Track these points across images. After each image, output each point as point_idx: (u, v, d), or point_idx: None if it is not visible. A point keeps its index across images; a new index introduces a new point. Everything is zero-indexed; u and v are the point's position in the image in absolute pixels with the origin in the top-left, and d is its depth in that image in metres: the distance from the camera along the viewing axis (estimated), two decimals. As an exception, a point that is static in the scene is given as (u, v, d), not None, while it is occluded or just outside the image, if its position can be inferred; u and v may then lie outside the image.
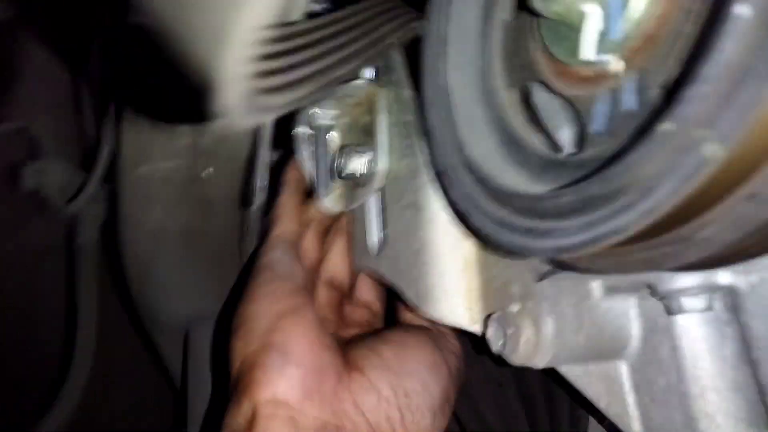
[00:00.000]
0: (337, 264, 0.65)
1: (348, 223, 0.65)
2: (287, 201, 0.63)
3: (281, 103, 0.30)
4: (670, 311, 0.37)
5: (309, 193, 0.67)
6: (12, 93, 1.26)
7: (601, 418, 0.64)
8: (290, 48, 0.31)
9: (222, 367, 0.57)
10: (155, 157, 0.67)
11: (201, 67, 0.25)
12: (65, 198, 0.95)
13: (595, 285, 0.40)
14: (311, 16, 0.55)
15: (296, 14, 0.49)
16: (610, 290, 0.40)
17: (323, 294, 0.62)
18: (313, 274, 0.62)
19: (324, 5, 0.58)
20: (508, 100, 0.39)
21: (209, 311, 0.81)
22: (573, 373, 0.43)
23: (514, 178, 0.37)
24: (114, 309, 1.11)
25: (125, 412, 1.32)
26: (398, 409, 0.50)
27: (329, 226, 0.66)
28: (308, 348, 0.50)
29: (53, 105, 1.24)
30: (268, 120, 0.59)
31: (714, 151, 0.21)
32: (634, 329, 0.40)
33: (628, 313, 0.40)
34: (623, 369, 0.41)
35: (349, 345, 0.54)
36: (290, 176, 0.66)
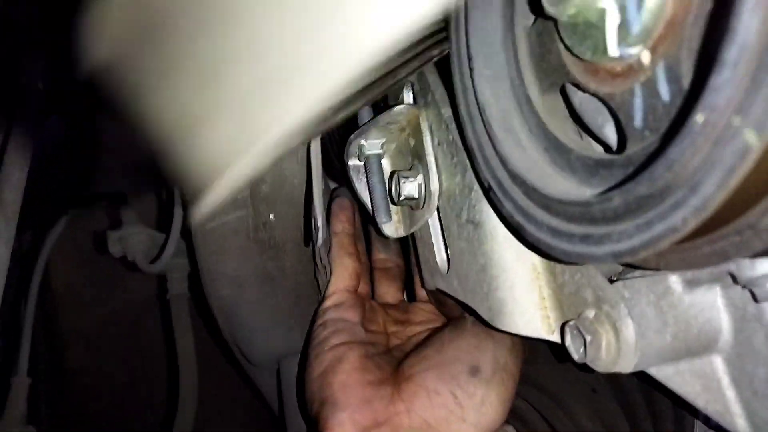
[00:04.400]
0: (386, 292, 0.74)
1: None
2: (337, 254, 0.69)
3: None
4: (756, 298, 0.34)
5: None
6: (96, 165, 1.36)
7: (706, 418, 0.60)
8: None
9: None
10: (219, 212, 0.70)
11: None
12: (150, 258, 1.01)
13: (674, 280, 0.38)
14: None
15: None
16: (691, 283, 0.38)
17: (381, 315, 0.71)
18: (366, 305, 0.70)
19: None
20: (545, 106, 0.37)
21: (296, 344, 0.84)
22: (664, 373, 0.41)
23: (563, 185, 0.36)
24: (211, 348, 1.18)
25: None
26: (450, 393, 0.56)
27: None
28: (352, 391, 0.58)
29: (130, 172, 1.33)
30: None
31: (754, 138, 0.19)
32: (724, 321, 0.38)
33: (715, 304, 0.38)
34: (718, 364, 0.38)
35: (405, 358, 0.62)
36: (336, 229, 0.71)
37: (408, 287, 0.76)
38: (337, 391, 0.58)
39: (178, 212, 0.87)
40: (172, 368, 1.13)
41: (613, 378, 0.60)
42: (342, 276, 0.68)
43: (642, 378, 0.42)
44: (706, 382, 0.39)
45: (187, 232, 0.88)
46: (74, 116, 1.31)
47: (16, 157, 0.70)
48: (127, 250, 1.02)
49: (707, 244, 0.28)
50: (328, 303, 0.68)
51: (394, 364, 0.62)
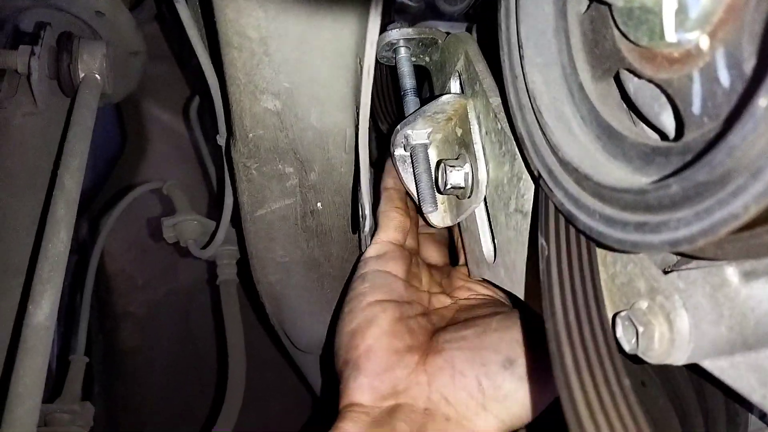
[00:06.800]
0: (431, 254, 0.72)
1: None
2: (385, 208, 0.68)
3: None
4: (819, 291, 0.33)
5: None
6: (146, 155, 1.40)
7: (761, 414, 0.58)
8: None
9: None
10: (268, 200, 0.71)
11: None
12: (201, 245, 1.04)
13: (731, 271, 0.37)
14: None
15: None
16: (749, 275, 0.37)
17: (426, 274, 0.69)
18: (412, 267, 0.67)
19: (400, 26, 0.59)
20: (598, 93, 0.37)
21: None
22: (718, 366, 0.40)
23: (617, 173, 0.35)
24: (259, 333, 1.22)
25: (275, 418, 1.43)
26: (475, 378, 0.55)
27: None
28: (376, 357, 0.58)
29: (180, 161, 1.37)
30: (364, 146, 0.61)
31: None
32: (783, 313, 0.36)
33: (773, 296, 0.37)
34: (776, 358, 0.37)
35: (442, 330, 0.61)
36: (387, 185, 0.69)
37: (451, 252, 0.75)
38: (362, 356, 0.58)
39: (228, 201, 0.89)
40: (221, 350, 1.16)
41: (664, 371, 0.58)
42: (388, 228, 0.66)
43: (695, 371, 0.41)
44: (762, 376, 0.37)
45: (236, 220, 0.90)
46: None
47: (76, 143, 0.72)
48: (180, 237, 1.05)
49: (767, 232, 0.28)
50: (370, 252, 0.65)
51: (430, 331, 0.61)
